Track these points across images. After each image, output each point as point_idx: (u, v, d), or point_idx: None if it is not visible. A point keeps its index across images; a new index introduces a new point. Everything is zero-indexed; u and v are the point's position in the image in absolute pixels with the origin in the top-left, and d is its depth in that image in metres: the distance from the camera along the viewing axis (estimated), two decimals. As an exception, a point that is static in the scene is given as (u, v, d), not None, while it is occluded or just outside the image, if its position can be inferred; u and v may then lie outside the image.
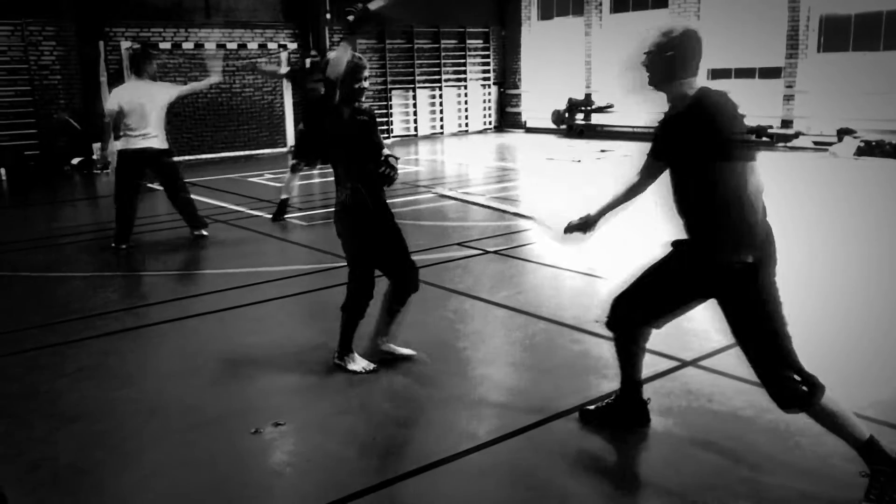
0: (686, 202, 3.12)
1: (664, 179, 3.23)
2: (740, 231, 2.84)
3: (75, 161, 13.83)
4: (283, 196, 8.95)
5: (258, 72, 10.40)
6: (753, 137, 3.03)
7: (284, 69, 9.22)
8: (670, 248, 3.30)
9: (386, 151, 4.24)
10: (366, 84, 4.20)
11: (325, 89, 4.17)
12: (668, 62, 3.03)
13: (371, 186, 4.21)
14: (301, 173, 9.17)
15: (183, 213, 8.02)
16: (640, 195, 3.40)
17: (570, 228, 3.56)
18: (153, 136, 7.48)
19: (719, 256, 2.90)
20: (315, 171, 11.74)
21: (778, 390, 2.95)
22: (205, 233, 8.00)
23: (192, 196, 8.19)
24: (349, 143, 4.19)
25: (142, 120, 7.38)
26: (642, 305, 3.36)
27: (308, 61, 9.30)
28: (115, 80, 13.68)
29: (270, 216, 8.94)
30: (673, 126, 3.10)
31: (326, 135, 4.27)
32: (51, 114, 13.95)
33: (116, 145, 7.54)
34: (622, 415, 3.60)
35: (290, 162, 9.09)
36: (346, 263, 4.42)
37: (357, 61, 4.14)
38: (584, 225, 3.52)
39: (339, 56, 4.03)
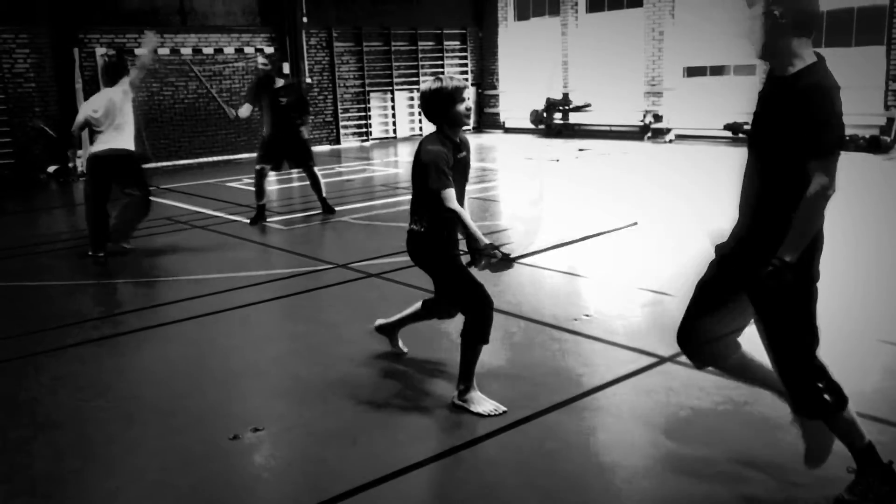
0: (758, 193, 2.81)
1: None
2: (800, 234, 2.62)
3: (51, 169, 13.68)
4: (260, 202, 8.85)
5: (215, 99, 9.63)
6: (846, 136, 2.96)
7: (241, 111, 8.85)
8: (715, 256, 3.03)
9: (485, 240, 3.75)
10: (470, 104, 3.85)
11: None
12: (775, 24, 2.64)
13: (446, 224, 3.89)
14: (268, 177, 8.96)
15: (122, 217, 7.62)
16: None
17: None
18: (123, 139, 7.38)
19: (771, 249, 2.65)
20: (294, 175, 11.72)
21: (803, 398, 2.82)
22: (127, 246, 7.64)
23: (169, 202, 8.11)
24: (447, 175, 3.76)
25: (110, 125, 7.30)
26: (716, 324, 3.03)
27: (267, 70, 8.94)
28: (91, 86, 13.57)
29: (248, 220, 8.89)
30: (773, 100, 2.75)
31: (421, 161, 3.82)
32: (25, 122, 13.79)
33: (88, 150, 7.47)
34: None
35: (256, 167, 8.87)
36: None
37: (457, 83, 3.78)
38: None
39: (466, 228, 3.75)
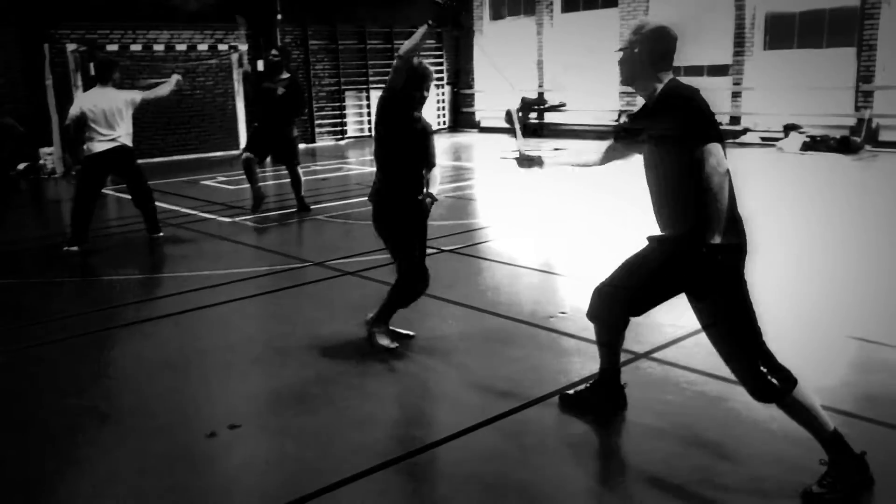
0: (659, 191, 3.12)
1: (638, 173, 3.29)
2: (712, 214, 2.82)
3: (21, 166, 13.46)
4: (255, 186, 9.00)
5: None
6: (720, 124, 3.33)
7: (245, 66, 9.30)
8: (647, 244, 3.29)
9: (433, 189, 4.51)
10: (426, 94, 4.41)
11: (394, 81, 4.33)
12: (635, 60, 3.09)
13: (405, 184, 4.47)
14: (256, 165, 9.07)
15: (144, 215, 8.00)
16: (590, 166, 3.62)
17: (523, 160, 3.81)
18: (119, 139, 7.47)
19: (696, 241, 2.86)
20: (269, 173, 11.67)
21: (752, 384, 2.95)
22: (161, 234, 8.01)
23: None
24: (401, 143, 4.48)
25: (108, 125, 7.38)
26: (626, 299, 3.33)
27: (262, 63, 9.26)
28: (61, 83, 13.39)
29: (251, 208, 9.04)
30: (644, 118, 3.15)
31: (383, 125, 4.47)
32: (-6, 119, 13.56)
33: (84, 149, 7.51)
34: (602, 399, 3.68)
35: (243, 156, 9.03)
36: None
37: (423, 70, 4.33)
38: (535, 160, 3.74)
39: (416, 37, 4.32)
